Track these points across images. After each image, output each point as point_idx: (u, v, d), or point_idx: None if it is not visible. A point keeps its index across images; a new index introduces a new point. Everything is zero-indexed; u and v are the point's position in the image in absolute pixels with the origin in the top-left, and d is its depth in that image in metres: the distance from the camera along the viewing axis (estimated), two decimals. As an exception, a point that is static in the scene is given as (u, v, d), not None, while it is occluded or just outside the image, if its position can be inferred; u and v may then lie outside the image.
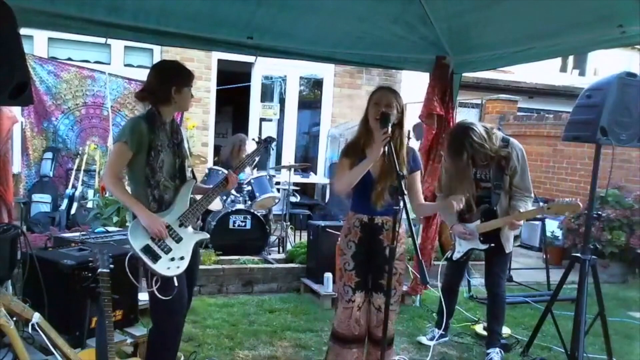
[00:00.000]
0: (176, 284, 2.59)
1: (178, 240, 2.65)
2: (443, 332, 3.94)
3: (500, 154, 3.41)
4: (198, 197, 2.83)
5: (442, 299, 3.90)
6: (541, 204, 3.54)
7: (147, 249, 2.54)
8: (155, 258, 2.55)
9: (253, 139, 3.41)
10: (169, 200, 2.67)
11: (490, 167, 3.49)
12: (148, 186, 2.61)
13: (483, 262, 5.82)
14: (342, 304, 2.84)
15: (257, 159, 3.15)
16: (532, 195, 3.57)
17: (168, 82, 2.65)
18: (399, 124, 2.74)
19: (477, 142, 3.27)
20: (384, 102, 2.71)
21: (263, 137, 3.15)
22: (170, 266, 2.59)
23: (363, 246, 2.80)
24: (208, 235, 2.98)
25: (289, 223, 6.10)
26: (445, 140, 3.61)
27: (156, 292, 2.54)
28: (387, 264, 2.57)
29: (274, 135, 8.16)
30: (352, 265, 2.80)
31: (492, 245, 3.54)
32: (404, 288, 4.87)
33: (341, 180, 2.76)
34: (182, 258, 2.64)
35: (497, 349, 3.62)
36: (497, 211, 3.50)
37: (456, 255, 3.72)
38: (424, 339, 3.91)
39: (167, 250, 2.59)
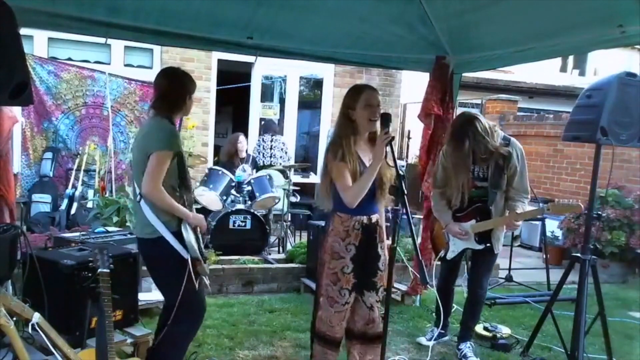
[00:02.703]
0: (207, 281, 2.86)
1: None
2: (442, 331, 3.92)
3: (501, 152, 3.38)
4: None
5: (439, 299, 3.88)
6: (541, 204, 3.51)
7: (199, 251, 2.68)
8: (204, 259, 2.73)
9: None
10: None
11: (489, 165, 3.45)
12: (186, 190, 2.71)
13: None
14: (334, 308, 2.78)
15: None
16: (529, 197, 3.54)
17: (184, 91, 2.75)
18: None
19: (480, 132, 3.28)
20: (376, 103, 2.71)
21: None
22: (206, 266, 2.78)
23: (363, 248, 2.78)
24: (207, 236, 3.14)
25: (289, 223, 6.09)
26: (448, 129, 3.57)
27: (208, 287, 2.86)
28: (384, 264, 2.59)
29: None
30: (351, 267, 2.76)
31: (488, 245, 3.52)
32: (404, 288, 4.89)
33: (353, 192, 2.63)
34: (206, 259, 2.81)
35: (468, 343, 3.68)
36: (492, 211, 3.47)
37: (450, 255, 3.69)
38: (423, 340, 3.91)
39: (202, 252, 2.75)
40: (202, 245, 2.78)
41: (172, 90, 2.72)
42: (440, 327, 3.91)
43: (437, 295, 3.74)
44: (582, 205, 3.28)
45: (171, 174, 2.63)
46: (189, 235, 2.61)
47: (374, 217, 2.81)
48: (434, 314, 4.28)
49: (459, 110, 4.48)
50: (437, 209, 3.66)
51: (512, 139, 3.50)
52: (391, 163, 2.57)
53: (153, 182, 2.54)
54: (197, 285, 2.69)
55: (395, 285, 4.72)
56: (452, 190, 3.49)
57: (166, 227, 2.60)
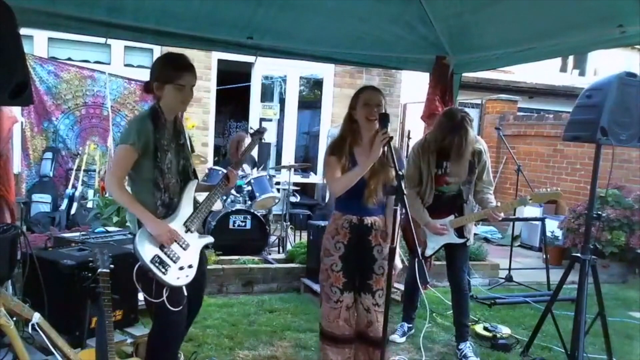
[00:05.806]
0: (185, 293, 2.52)
1: (185, 247, 2.56)
2: (410, 325, 4.06)
3: (474, 149, 3.52)
4: (201, 195, 2.77)
5: (406, 295, 4.06)
6: (525, 195, 3.62)
7: (156, 260, 2.43)
8: (165, 268, 2.45)
9: (249, 130, 3.38)
10: (176, 204, 2.58)
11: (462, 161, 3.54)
12: (157, 190, 2.50)
13: (483, 262, 5.89)
14: (329, 304, 2.83)
15: (252, 151, 3.12)
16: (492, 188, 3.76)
17: (152, 76, 2.55)
18: None
19: (472, 127, 3.42)
20: (374, 102, 2.72)
21: (255, 127, 3.03)
22: (179, 276, 2.50)
23: (352, 247, 2.79)
24: (212, 239, 2.88)
25: (289, 223, 6.10)
26: (441, 124, 3.51)
27: (167, 304, 2.43)
28: (382, 268, 2.62)
29: (274, 136, 8.20)
30: (340, 266, 2.79)
31: (468, 238, 3.66)
32: (403, 288, 4.88)
33: (339, 182, 2.71)
34: (190, 266, 2.56)
35: (468, 343, 3.70)
36: (465, 206, 3.61)
37: (429, 252, 3.75)
38: (396, 337, 3.92)
39: (176, 259, 2.50)
40: (175, 255, 2.50)
41: (150, 76, 2.57)
42: (408, 321, 4.05)
43: (404, 291, 3.76)
44: (561, 192, 3.49)
45: (146, 169, 2.47)
46: (142, 240, 2.40)
47: (368, 219, 2.79)
48: (434, 313, 4.31)
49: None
50: (415, 208, 3.59)
51: (477, 135, 3.70)
52: (392, 164, 2.57)
53: (109, 176, 2.54)
54: (154, 295, 2.43)
55: (395, 285, 4.71)
56: (425, 188, 3.59)
57: (137, 225, 2.49)
